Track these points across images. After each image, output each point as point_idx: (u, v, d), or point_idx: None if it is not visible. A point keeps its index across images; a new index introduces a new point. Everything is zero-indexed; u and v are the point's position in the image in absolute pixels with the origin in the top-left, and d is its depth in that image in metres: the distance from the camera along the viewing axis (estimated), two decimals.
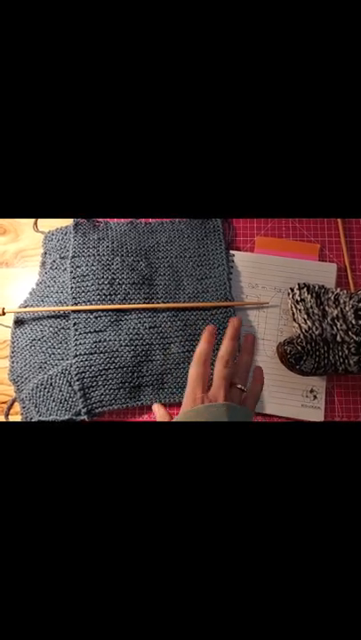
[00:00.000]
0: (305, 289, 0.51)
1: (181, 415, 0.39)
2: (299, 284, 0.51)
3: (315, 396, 0.51)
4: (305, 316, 0.49)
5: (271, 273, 0.55)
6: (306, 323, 0.49)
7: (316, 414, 0.51)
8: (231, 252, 0.56)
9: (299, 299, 0.50)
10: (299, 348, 0.48)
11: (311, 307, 0.49)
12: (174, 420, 0.41)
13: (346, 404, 0.51)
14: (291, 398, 0.51)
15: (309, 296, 0.50)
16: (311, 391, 0.52)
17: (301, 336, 0.49)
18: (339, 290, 0.51)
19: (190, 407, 0.38)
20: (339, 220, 0.56)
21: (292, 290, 0.52)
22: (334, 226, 0.56)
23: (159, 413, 0.48)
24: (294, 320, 0.50)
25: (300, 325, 0.49)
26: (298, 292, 0.51)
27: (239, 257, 0.56)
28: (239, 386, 0.41)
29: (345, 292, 0.50)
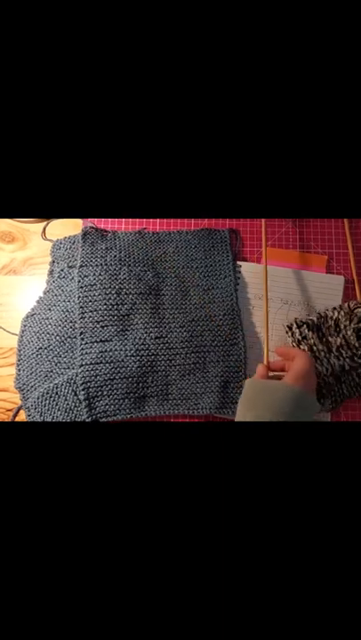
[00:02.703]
0: (304, 326, 0.49)
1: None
2: (296, 322, 0.50)
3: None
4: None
5: (278, 284, 0.55)
6: (316, 369, 0.47)
7: None
8: (238, 262, 0.56)
9: (300, 337, 0.49)
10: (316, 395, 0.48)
11: (315, 344, 0.48)
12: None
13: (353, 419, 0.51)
14: None
15: (310, 333, 0.49)
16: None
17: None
18: (335, 311, 0.50)
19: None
20: (347, 231, 0.55)
21: (290, 328, 0.50)
22: (342, 238, 0.56)
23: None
24: None
25: None
26: (297, 332, 0.49)
27: (246, 268, 0.56)
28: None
29: (342, 312, 0.49)
